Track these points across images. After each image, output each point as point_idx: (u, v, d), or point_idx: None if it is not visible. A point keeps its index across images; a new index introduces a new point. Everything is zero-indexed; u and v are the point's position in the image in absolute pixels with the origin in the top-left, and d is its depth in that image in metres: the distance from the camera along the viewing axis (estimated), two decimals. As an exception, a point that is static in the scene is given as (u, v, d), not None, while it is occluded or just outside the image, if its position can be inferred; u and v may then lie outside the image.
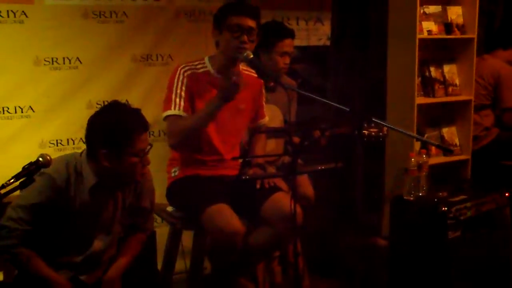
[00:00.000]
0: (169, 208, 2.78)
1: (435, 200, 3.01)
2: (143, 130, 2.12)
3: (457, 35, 3.65)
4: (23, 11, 2.95)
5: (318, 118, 3.64)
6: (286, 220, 2.40)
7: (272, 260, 3.16)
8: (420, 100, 3.55)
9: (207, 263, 2.88)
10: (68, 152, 2.52)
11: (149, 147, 2.14)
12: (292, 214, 2.15)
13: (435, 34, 3.57)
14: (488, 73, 3.89)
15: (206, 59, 2.70)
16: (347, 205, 2.80)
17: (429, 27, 3.54)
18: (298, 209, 2.44)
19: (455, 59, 3.77)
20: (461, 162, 3.74)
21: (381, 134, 2.02)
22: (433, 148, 3.61)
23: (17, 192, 1.84)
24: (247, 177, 2.66)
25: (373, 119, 2.02)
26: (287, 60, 3.21)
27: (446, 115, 3.81)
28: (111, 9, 3.17)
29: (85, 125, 2.13)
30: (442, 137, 3.76)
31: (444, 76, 3.70)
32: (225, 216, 2.46)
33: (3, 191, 1.74)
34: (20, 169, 1.81)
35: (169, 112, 2.58)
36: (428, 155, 3.46)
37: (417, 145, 3.43)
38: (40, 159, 1.84)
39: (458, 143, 3.78)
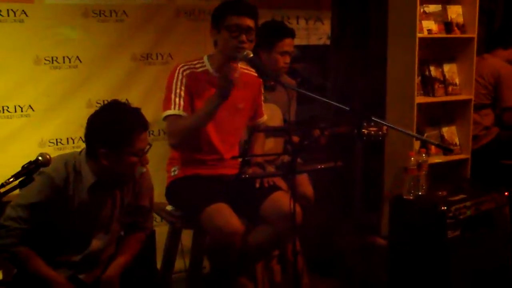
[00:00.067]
0: (169, 207, 2.78)
1: (435, 199, 3.01)
2: (143, 129, 2.12)
3: (457, 34, 3.65)
4: (23, 10, 2.95)
5: (317, 117, 3.64)
6: (285, 219, 2.39)
7: (271, 259, 3.17)
8: (420, 99, 3.54)
9: (206, 262, 2.88)
10: (67, 151, 2.53)
11: (148, 146, 2.14)
12: (291, 213, 2.14)
13: (435, 33, 3.57)
14: (488, 73, 3.89)
15: (205, 58, 2.69)
16: (346, 204, 2.80)
17: (429, 26, 3.54)
18: (298, 208, 2.44)
19: (455, 58, 3.76)
20: (461, 162, 3.74)
21: (380, 133, 2.01)
22: (433, 147, 3.61)
23: (17, 191, 1.84)
24: (247, 176, 2.65)
25: (373, 118, 2.01)
26: (287, 59, 3.21)
27: (446, 115, 3.81)
28: (111, 8, 3.17)
29: (84, 124, 2.14)
30: (442, 136, 3.76)
31: (444, 75, 3.70)
32: (224, 215, 2.46)
33: (2, 190, 1.74)
34: (19, 168, 1.81)
35: (169, 112, 2.57)
36: (428, 154, 3.47)
37: (416, 144, 3.43)
38: (40, 158, 1.84)
39: (457, 142, 3.78)
